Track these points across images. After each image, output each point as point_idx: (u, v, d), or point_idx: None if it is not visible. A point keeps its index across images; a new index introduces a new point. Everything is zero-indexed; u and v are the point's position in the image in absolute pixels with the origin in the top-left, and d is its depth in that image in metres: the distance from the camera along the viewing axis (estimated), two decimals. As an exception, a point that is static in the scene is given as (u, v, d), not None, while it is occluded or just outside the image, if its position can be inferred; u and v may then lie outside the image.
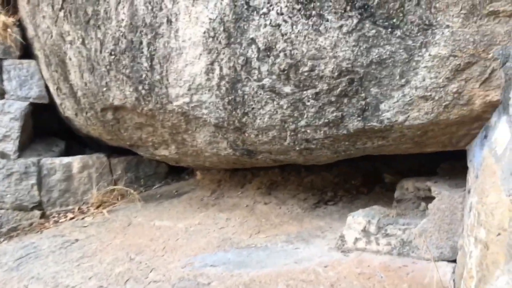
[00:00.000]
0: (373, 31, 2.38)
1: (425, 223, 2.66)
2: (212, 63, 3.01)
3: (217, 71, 3.00)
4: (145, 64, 3.40)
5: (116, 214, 4.71)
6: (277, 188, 4.06)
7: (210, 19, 2.93)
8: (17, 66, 4.95)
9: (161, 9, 3.20)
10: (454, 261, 2.60)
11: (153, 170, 5.42)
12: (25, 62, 4.96)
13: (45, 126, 5.70)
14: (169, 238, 3.78)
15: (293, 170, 4.14)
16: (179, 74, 3.22)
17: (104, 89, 3.84)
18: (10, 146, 4.93)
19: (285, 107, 2.78)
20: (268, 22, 2.66)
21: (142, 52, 3.39)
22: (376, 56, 2.41)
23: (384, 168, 3.74)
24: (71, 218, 4.91)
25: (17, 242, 4.64)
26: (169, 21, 3.18)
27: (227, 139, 3.28)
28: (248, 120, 3.00)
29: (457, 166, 2.97)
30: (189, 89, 3.22)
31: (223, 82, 3.00)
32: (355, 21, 2.42)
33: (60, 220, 4.97)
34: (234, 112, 3.04)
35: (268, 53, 2.72)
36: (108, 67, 3.68)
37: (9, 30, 4.83)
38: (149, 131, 3.98)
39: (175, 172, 5.46)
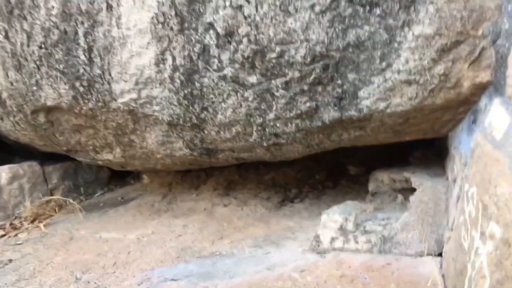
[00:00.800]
0: (350, 9, 2.10)
1: (407, 216, 2.44)
2: (162, 53, 2.60)
3: (169, 62, 2.60)
4: (83, 57, 2.91)
5: (54, 228, 4.14)
6: (236, 188, 3.71)
7: (158, 2, 2.52)
8: None
9: (99, -7, 2.74)
10: (440, 254, 2.40)
11: (94, 176, 4.87)
12: None
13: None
14: (120, 252, 3.31)
15: (251, 167, 3.81)
16: (123, 67, 2.78)
17: (34, 88, 3.29)
18: None
19: (250, 99, 2.44)
20: (228, 3, 2.30)
21: (79, 44, 2.90)
22: (354, 38, 2.13)
23: (347, 160, 3.51)
24: (2, 236, 4.27)
25: None
26: (109, 7, 2.72)
27: (182, 138, 2.89)
28: (208, 115, 2.63)
29: (429, 155, 2.79)
30: (136, 84, 2.78)
31: (176, 74, 2.61)
32: (328, -1, 2.12)
33: (-12, 239, 4.31)
34: (191, 108, 2.66)
35: (229, 39, 2.36)
36: (38, 62, 3.14)
37: None
38: (90, 134, 3.48)
39: (118, 177, 4.95)
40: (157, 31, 2.58)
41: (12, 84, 3.45)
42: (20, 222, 4.50)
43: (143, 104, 2.83)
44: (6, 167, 4.48)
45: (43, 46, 3.07)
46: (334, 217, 2.62)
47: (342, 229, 2.61)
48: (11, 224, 4.50)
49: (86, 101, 3.05)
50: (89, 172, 4.82)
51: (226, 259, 2.86)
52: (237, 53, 2.37)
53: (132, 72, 2.76)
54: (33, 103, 3.41)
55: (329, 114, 2.33)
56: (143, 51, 2.67)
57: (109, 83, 2.89)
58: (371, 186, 2.83)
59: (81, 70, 2.95)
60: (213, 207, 3.53)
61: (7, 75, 3.44)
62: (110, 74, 2.86)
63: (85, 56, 2.90)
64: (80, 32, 2.87)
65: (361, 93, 2.22)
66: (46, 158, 4.79)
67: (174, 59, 2.58)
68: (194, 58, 2.50)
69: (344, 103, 2.28)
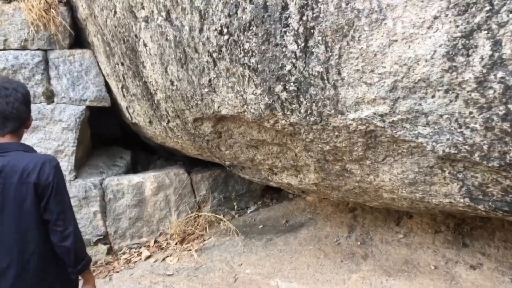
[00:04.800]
0: None
1: None
2: (468, 35, 1.27)
3: (482, 51, 1.26)
4: (292, 46, 1.67)
5: (209, 256, 3.07)
6: (473, 234, 2.32)
7: None
8: (67, 58, 3.28)
9: None
10: None
11: (246, 187, 3.74)
12: (78, 52, 3.29)
13: (103, 132, 4.10)
14: (320, 326, 2.12)
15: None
16: (369, 61, 1.49)
17: (205, 90, 2.13)
18: (65, 164, 3.31)
19: None
20: None
21: (287, 25, 1.66)
22: None
23: None
24: (148, 257, 3.30)
25: (80, 293, 3.07)
26: (354, -42, 1.44)
27: (462, 181, 1.55)
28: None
29: None
30: (391, 89, 1.48)
31: (498, 73, 1.26)
32: None
33: (133, 259, 3.36)
34: (513, 137, 1.30)
35: None
36: (215, 55, 1.96)
37: (53, 11, 3.15)
38: (272, 152, 2.28)
39: (272, 188, 3.78)
40: (462, -7, 1.24)
41: (172, 83, 2.33)
42: (166, 240, 3.50)
43: (398, 123, 1.53)
44: (151, 175, 3.49)
45: (225, 30, 1.87)
46: None
47: None
48: (155, 241, 3.53)
49: (289, 112, 1.82)
50: (241, 182, 3.69)
51: None
52: None
53: (387, 69, 1.46)
54: (200, 109, 2.27)
55: None
56: (419, 32, 1.35)
57: (335, 87, 1.63)
58: None
59: (288, 67, 1.72)
60: (449, 265, 2.17)
61: (166, 71, 2.33)
62: (339, 73, 1.59)
63: (297, 44, 1.65)
64: (292, 6, 1.62)
65: None
66: (189, 160, 3.77)
67: (498, 44, 1.23)
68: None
69: None
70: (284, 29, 1.66)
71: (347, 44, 1.52)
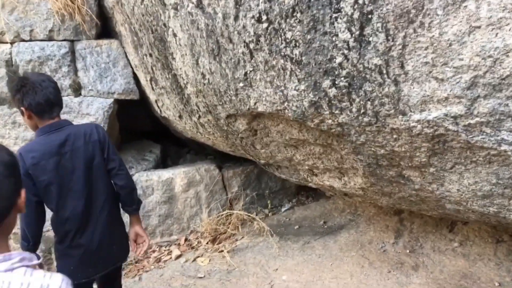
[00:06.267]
0: None
1: None
2: None
3: None
4: (344, 35, 1.42)
5: (242, 258, 2.88)
6: (544, 246, 2.02)
7: None
8: (94, 49, 3.12)
9: None
10: None
11: (280, 184, 3.52)
12: (105, 43, 3.12)
13: (132, 125, 3.95)
14: None
15: None
16: (442, 52, 1.22)
17: (241, 84, 1.90)
18: (93, 160, 3.18)
19: None
20: None
21: (339, 10, 1.40)
22: None
23: None
24: (178, 257, 3.15)
25: (110, 292, 2.95)
26: None
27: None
28: None
29: None
30: (470, 87, 1.21)
31: None
32: None
33: (163, 258, 3.21)
34: None
35: None
36: (252, 45, 1.73)
37: (79, -1, 2.98)
38: (313, 152, 2.04)
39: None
40: None
41: (204, 76, 2.12)
42: (197, 238, 3.33)
43: (476, 126, 1.26)
44: (181, 171, 3.32)
45: (263, 17, 1.63)
46: None
47: None
48: (186, 239, 3.38)
49: (337, 111, 1.57)
50: (274, 179, 3.48)
51: None
52: None
53: (466, 62, 1.19)
54: (234, 105, 2.05)
55: None
56: (510, 16, 1.08)
57: (396, 83, 1.37)
58: None
59: (338, 59, 1.46)
60: (518, 283, 1.90)
61: (197, 63, 2.11)
62: (402, 66, 1.33)
63: (351, 32, 1.40)
64: (346, -13, 1.36)
65: None
66: (220, 154, 3.57)
67: None
68: None
69: None
70: (334, 15, 1.40)
71: (413, 32, 1.26)
